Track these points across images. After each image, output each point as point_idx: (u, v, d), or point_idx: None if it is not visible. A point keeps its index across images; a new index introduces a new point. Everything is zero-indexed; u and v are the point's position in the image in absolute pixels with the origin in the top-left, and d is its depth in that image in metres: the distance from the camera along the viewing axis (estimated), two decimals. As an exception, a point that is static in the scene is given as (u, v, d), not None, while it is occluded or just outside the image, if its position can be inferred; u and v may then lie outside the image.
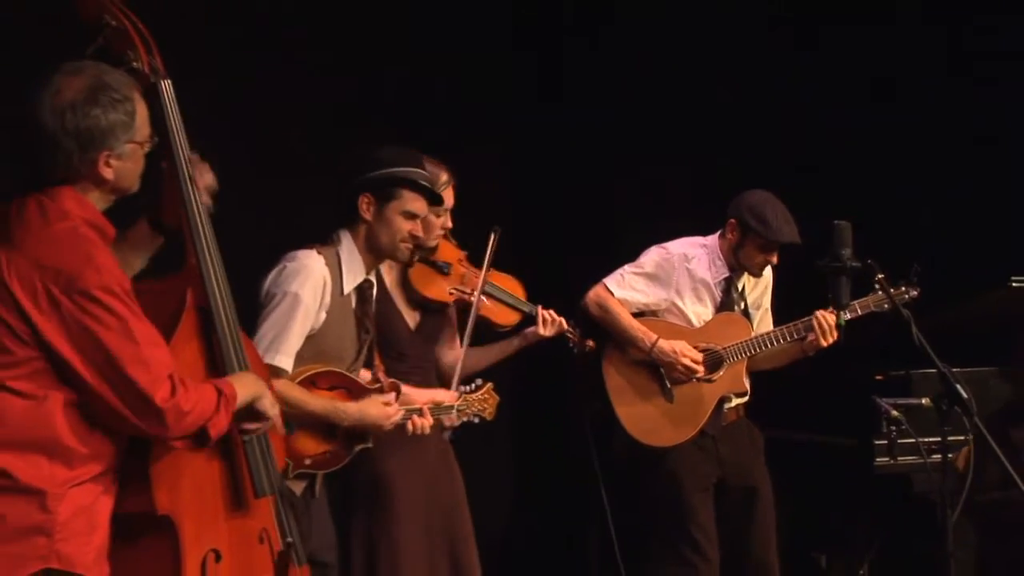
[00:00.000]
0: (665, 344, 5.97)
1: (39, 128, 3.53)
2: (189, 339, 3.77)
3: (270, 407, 3.82)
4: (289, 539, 3.94)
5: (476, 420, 5.29)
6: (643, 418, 6.03)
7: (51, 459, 3.48)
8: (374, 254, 4.79)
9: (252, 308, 4.52)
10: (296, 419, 4.53)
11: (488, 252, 5.34)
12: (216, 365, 3.80)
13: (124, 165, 3.62)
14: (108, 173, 3.59)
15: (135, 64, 3.75)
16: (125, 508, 3.63)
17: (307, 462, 4.69)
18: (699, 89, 7.69)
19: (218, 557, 3.75)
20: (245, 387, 3.75)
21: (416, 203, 4.78)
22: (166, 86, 3.79)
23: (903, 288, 5.81)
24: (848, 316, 5.43)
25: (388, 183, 4.74)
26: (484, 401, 5.31)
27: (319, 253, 4.70)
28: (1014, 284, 7.12)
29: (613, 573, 6.21)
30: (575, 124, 7.59)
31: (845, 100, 7.73)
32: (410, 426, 4.90)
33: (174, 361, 3.58)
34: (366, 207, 4.74)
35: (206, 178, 3.89)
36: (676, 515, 5.97)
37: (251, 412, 3.79)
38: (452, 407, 5.15)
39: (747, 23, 7.80)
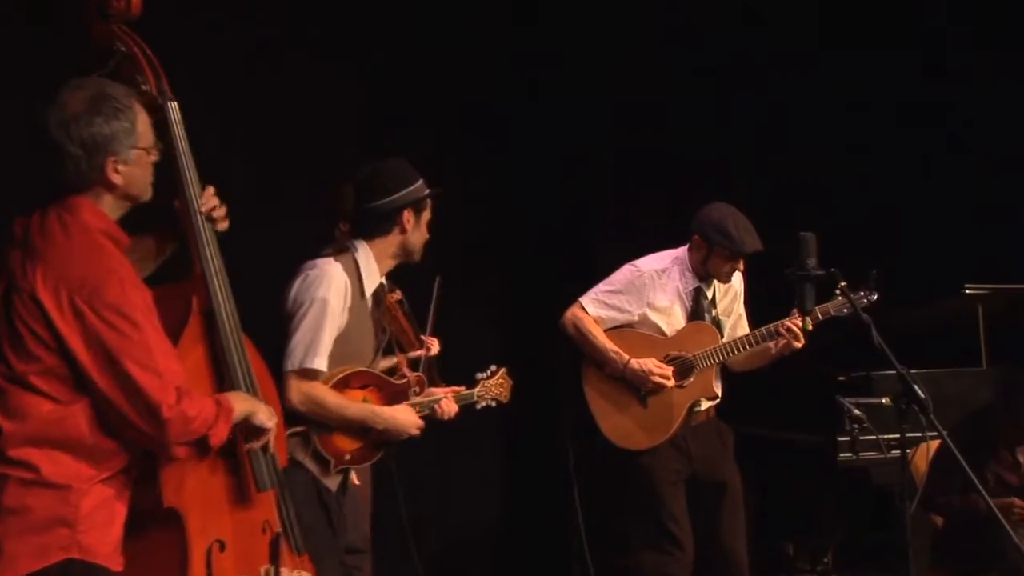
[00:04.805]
0: (636, 364, 5.99)
1: (49, 141, 3.58)
2: (195, 342, 3.82)
3: (267, 420, 3.85)
4: (277, 529, 3.97)
5: (494, 404, 5.38)
6: (620, 425, 6.06)
7: (77, 457, 3.52)
8: (398, 259, 4.93)
9: (255, 314, 4.52)
10: (334, 422, 4.70)
11: (433, 302, 5.36)
12: (220, 366, 3.85)
13: (132, 171, 3.66)
14: (117, 179, 3.64)
15: (144, 87, 3.81)
16: (134, 502, 3.66)
17: (347, 457, 4.79)
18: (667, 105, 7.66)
19: (223, 547, 3.79)
20: (240, 403, 3.79)
21: (431, 212, 4.98)
22: (173, 108, 3.84)
23: (862, 293, 5.84)
24: (812, 321, 5.46)
25: (425, 198, 4.91)
26: (501, 386, 5.40)
27: (337, 260, 4.77)
28: (967, 291, 7.17)
29: (587, 570, 6.25)
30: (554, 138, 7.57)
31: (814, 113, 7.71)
32: (439, 410, 5.04)
33: (183, 371, 3.61)
34: (408, 219, 4.87)
35: (211, 203, 3.92)
36: (650, 507, 6.00)
37: (250, 428, 3.83)
38: (473, 394, 5.29)
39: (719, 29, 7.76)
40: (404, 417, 4.86)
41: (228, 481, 3.85)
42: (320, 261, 4.79)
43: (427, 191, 4.92)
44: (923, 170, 7.72)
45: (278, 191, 6.51)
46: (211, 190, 3.93)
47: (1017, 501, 5.86)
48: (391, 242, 4.88)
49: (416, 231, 4.90)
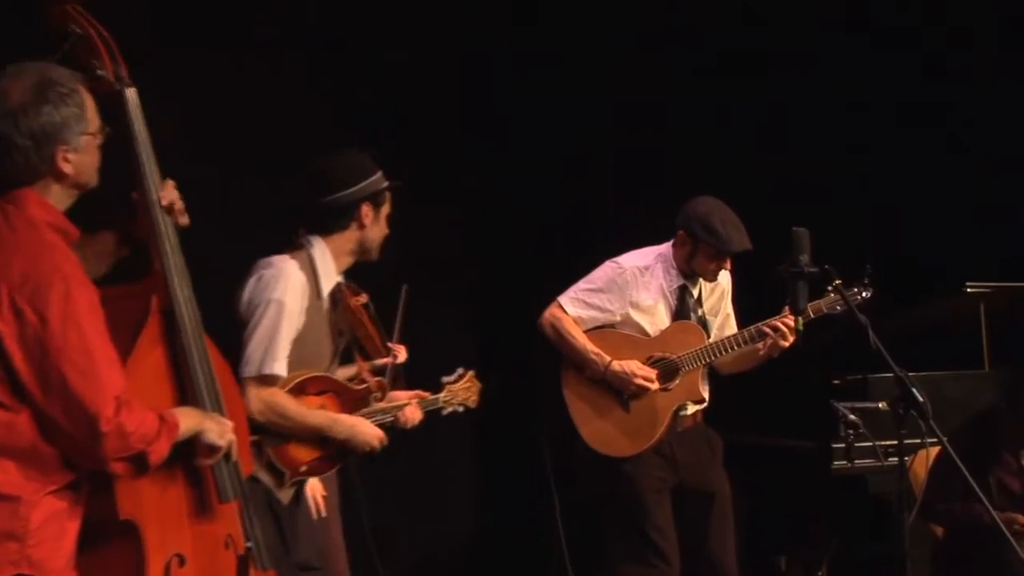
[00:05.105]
0: (617, 367, 6.00)
1: None
2: (154, 344, 3.81)
3: (217, 438, 3.81)
4: (248, 544, 3.97)
5: (461, 409, 5.34)
6: (602, 431, 6.06)
7: (26, 466, 3.51)
8: (356, 256, 4.89)
9: (218, 313, 4.53)
10: (293, 432, 4.67)
11: (400, 308, 5.36)
12: (181, 369, 3.84)
13: (82, 159, 3.66)
14: (67, 168, 3.63)
15: (100, 72, 3.78)
16: (88, 513, 3.64)
17: (302, 468, 4.75)
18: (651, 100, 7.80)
19: (182, 562, 3.77)
20: (188, 419, 3.76)
21: (390, 205, 4.95)
22: (131, 95, 3.83)
23: (856, 289, 5.87)
24: (803, 320, 5.48)
25: (384, 191, 4.89)
26: (468, 390, 5.36)
27: (292, 258, 4.75)
28: (969, 290, 7.21)
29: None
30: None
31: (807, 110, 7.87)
32: (401, 418, 5.00)
33: (137, 368, 3.62)
34: (366, 213, 4.85)
35: (171, 196, 3.91)
36: (633, 517, 6.00)
37: (203, 445, 3.81)
38: (438, 399, 5.25)
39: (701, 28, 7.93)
40: (366, 428, 4.82)
41: (188, 491, 3.83)
42: (275, 259, 4.75)
43: (386, 183, 4.89)
44: (923, 170, 7.84)
45: (244, 186, 6.50)
46: (171, 184, 3.92)
47: (1020, 518, 5.90)
48: (348, 238, 4.85)
49: (375, 226, 4.87)
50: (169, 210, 3.88)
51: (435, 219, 7.27)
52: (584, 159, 7.81)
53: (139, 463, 3.62)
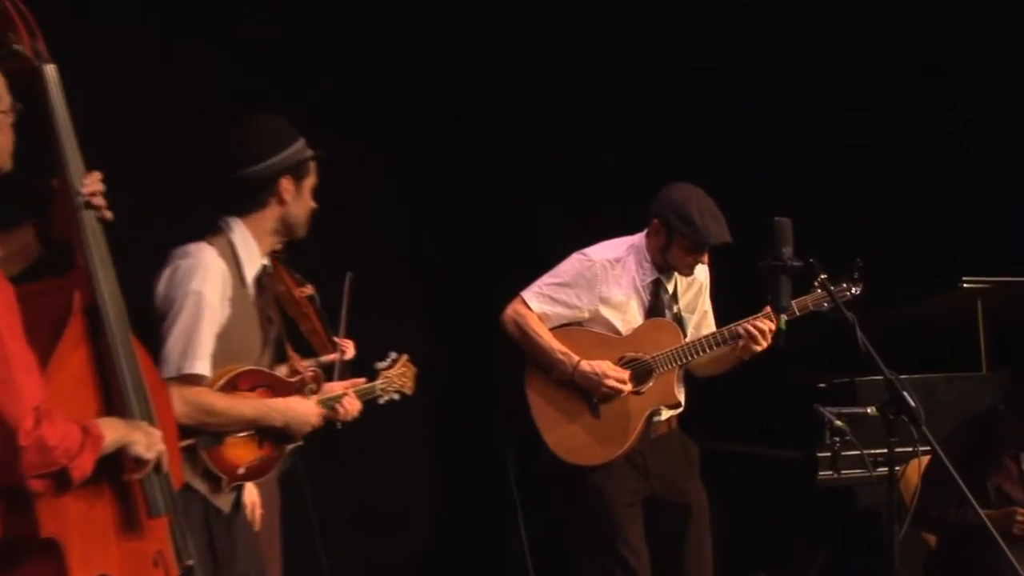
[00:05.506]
0: (587, 367, 5.98)
1: None
2: (77, 344, 3.76)
3: (145, 451, 3.78)
4: (189, 562, 3.95)
5: (397, 397, 5.31)
6: (569, 437, 6.04)
7: None
8: (279, 235, 4.82)
9: (146, 312, 4.48)
10: (226, 428, 4.59)
11: (345, 299, 5.32)
12: (105, 372, 3.80)
13: None
14: None
15: (16, 46, 3.75)
16: (6, 531, 3.60)
17: (240, 471, 4.67)
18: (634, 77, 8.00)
19: (108, 582, 3.75)
20: (113, 430, 3.72)
21: (315, 177, 4.87)
22: (50, 71, 3.79)
23: (844, 285, 5.86)
24: (787, 319, 5.44)
25: (306, 161, 4.81)
26: (404, 375, 5.34)
27: (210, 245, 4.68)
28: (966, 285, 7.21)
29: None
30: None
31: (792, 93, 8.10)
32: (341, 410, 4.94)
33: (58, 373, 3.58)
34: (287, 188, 4.77)
35: (94, 187, 3.86)
36: (602, 533, 5.98)
37: (130, 458, 3.77)
38: (375, 387, 5.20)
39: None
40: (301, 407, 4.74)
41: (115, 506, 3.80)
42: (192, 248, 4.66)
43: (309, 152, 4.80)
44: (923, 170, 8.05)
45: (173, 172, 6.46)
46: (97, 175, 3.87)
47: (1020, 510, 5.92)
48: (268, 216, 4.76)
49: (298, 201, 4.78)
50: (92, 203, 3.83)
51: (386, 203, 7.28)
52: (584, 159, 8.00)
53: (61, 479, 3.58)
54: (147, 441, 3.79)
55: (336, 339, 5.22)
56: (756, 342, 5.89)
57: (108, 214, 3.89)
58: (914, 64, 8.15)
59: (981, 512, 4.87)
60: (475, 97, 7.95)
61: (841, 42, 8.21)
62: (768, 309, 5.75)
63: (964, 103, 8.14)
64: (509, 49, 8.04)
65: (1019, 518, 5.91)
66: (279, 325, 4.86)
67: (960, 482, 4.74)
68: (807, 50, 8.15)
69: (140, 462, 3.78)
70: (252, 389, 4.69)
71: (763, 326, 5.87)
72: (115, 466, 3.75)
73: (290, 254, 4.89)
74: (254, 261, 4.74)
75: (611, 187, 7.79)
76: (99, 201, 3.87)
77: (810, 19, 8.20)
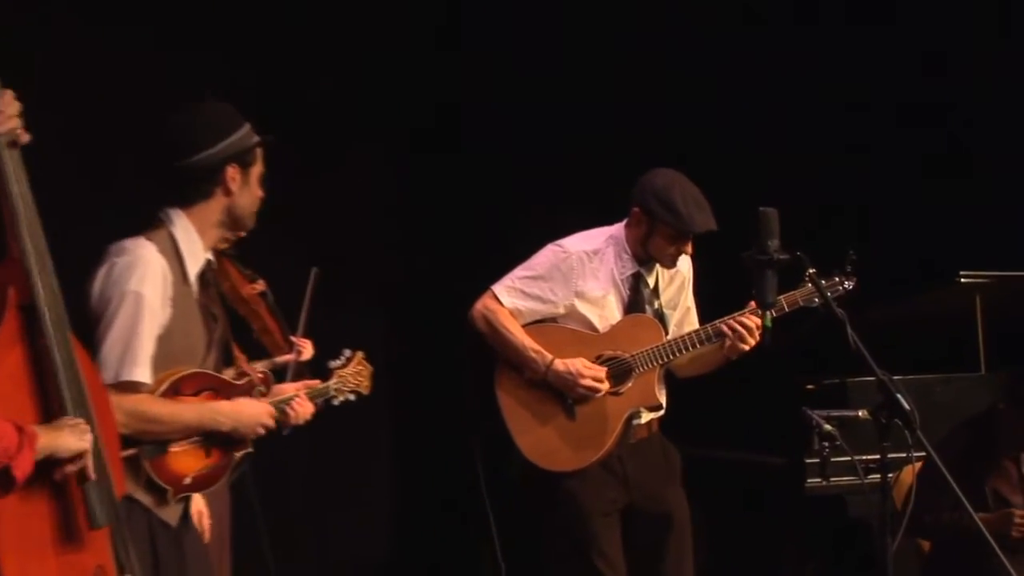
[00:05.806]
0: (561, 366, 5.97)
1: None
2: (12, 343, 3.76)
3: (78, 441, 3.79)
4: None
5: (353, 397, 5.26)
6: (542, 441, 6.02)
7: None
8: (225, 228, 4.80)
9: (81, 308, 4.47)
10: (170, 436, 4.54)
11: (307, 295, 5.31)
12: (43, 372, 3.79)
13: None
14: None
15: None
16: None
17: (187, 482, 4.63)
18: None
19: (46, 596, 3.74)
20: (42, 433, 3.72)
21: (262, 164, 4.85)
22: None
23: (836, 279, 5.86)
24: (774, 315, 5.43)
25: (253, 148, 4.78)
26: (359, 375, 5.29)
27: (149, 240, 4.65)
28: (963, 280, 7.22)
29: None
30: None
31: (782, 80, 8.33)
32: (291, 413, 4.89)
33: None
34: (233, 177, 4.74)
35: (9, 109, 3.80)
36: (577, 543, 5.97)
37: (65, 458, 3.78)
38: (329, 387, 5.15)
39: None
40: (250, 409, 4.71)
41: (54, 517, 3.80)
42: (129, 244, 4.61)
43: (255, 139, 4.78)
44: (923, 170, 8.26)
45: (118, 162, 6.44)
46: (10, 93, 3.81)
47: (1018, 511, 5.94)
48: (214, 208, 4.73)
49: (244, 191, 4.75)
50: (12, 142, 3.77)
51: (352, 197, 7.30)
52: (584, 159, 8.10)
53: (3, 480, 3.59)
54: (76, 432, 3.79)
55: (293, 338, 5.20)
56: (743, 340, 5.89)
57: (25, 137, 3.82)
58: (914, 64, 8.37)
59: (975, 516, 4.88)
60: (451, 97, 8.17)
61: (841, 42, 8.39)
62: (753, 304, 5.75)
63: (964, 103, 8.34)
64: (509, 49, 8.22)
65: (1017, 520, 5.93)
66: (224, 324, 4.83)
67: (954, 486, 4.75)
68: (807, 50, 8.33)
69: (77, 455, 3.78)
70: (196, 393, 4.64)
71: (749, 323, 5.87)
72: (51, 475, 3.75)
73: (246, 249, 4.88)
74: (197, 256, 4.71)
75: (611, 187, 7.81)
76: (13, 124, 3.81)
77: (810, 19, 8.43)
